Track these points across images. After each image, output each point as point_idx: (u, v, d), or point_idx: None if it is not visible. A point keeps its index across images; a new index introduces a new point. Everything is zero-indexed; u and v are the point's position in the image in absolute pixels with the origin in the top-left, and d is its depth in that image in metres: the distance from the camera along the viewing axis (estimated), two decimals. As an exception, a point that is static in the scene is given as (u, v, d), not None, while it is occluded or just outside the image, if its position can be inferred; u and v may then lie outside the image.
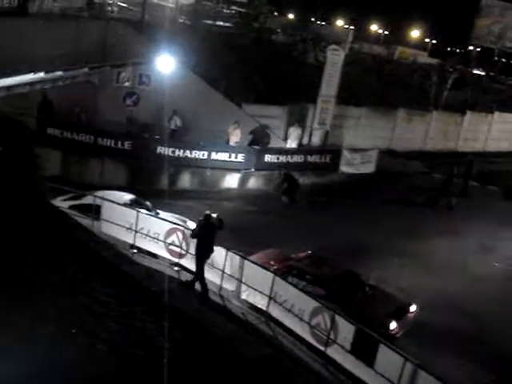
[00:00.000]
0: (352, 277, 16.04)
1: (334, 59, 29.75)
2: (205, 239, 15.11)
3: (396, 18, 65.89)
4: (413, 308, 15.45)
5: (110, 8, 31.12)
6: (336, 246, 19.90)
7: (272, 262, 16.45)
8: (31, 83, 21.67)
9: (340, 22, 63.74)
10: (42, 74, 21.69)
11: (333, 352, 13.16)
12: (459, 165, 28.47)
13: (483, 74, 57.68)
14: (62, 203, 18.20)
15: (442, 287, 18.04)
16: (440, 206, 25.88)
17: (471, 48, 63.82)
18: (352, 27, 63.52)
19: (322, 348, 13.37)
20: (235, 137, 26.39)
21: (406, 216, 24.22)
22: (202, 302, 14.65)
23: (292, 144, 28.16)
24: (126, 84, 26.83)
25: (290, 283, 14.51)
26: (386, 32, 75.18)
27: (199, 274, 15.03)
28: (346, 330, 12.84)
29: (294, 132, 28.27)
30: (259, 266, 14.99)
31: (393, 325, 14.34)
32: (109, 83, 26.50)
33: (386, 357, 11.98)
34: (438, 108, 36.92)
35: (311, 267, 16.04)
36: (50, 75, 22.24)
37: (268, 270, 14.71)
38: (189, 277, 15.59)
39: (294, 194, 25.40)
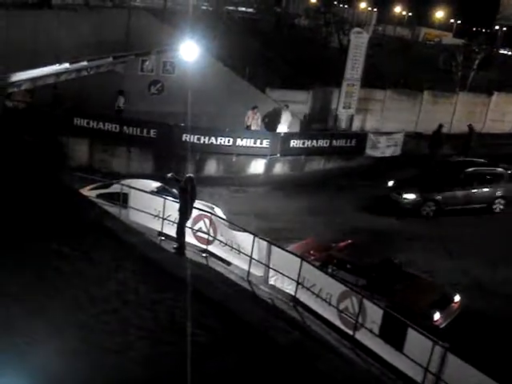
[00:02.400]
0: (393, 266, 15.87)
1: (358, 42, 29.59)
2: (191, 200, 15.61)
3: (420, -1, 65.09)
4: (457, 298, 15.22)
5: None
6: (362, 230, 19.92)
7: (312, 252, 16.51)
8: (56, 74, 21.83)
9: (363, 5, 63.08)
10: (66, 65, 21.84)
11: (361, 336, 13.18)
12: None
13: (510, 53, 56.85)
14: (89, 192, 18.39)
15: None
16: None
17: (497, 27, 62.86)
18: (375, 9, 62.90)
19: (350, 332, 13.39)
20: (254, 121, 26.36)
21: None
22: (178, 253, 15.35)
23: (283, 129, 27.53)
24: (151, 72, 26.93)
25: (317, 268, 14.54)
26: (410, 14, 74.31)
27: (182, 231, 15.61)
28: (374, 314, 12.84)
29: (284, 116, 27.60)
30: (286, 251, 15.03)
31: (436, 315, 14.18)
32: (133, 72, 26.61)
33: (415, 340, 11.97)
34: (464, 89, 36.48)
35: (351, 256, 15.97)
36: (75, 66, 22.39)
37: (298, 256, 14.68)
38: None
39: None
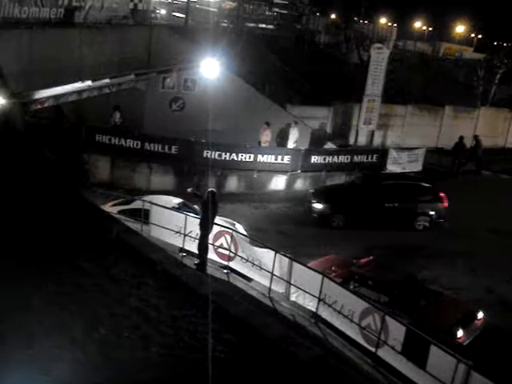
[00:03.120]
0: (415, 282, 15.70)
1: (379, 58, 29.64)
2: (212, 214, 15.56)
3: (440, 14, 64.90)
4: (480, 315, 14.99)
5: (153, 15, 31.46)
6: (383, 246, 19.79)
7: (333, 268, 16.40)
8: (79, 91, 22.02)
9: (383, 20, 63.13)
10: (88, 82, 22.02)
11: (383, 353, 13.04)
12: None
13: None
14: (111, 208, 18.50)
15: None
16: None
17: (518, 42, 62.48)
18: (396, 25, 62.88)
19: (372, 349, 13.27)
20: (265, 137, 26.40)
21: (452, 215, 23.74)
22: (199, 270, 15.24)
23: (291, 145, 27.33)
24: (172, 89, 27.12)
25: (339, 284, 14.46)
26: (431, 29, 74.15)
27: (204, 246, 15.60)
28: (396, 331, 12.72)
29: (292, 132, 27.24)
30: (308, 267, 14.98)
31: (460, 332, 13.98)
32: (154, 89, 26.81)
33: (438, 358, 11.83)
34: (486, 104, 36.32)
35: (373, 273, 15.84)
36: (97, 83, 22.57)
37: (318, 271, 14.62)
38: (240, 280, 15.72)
39: None
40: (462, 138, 29.08)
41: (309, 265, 15.58)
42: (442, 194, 22.68)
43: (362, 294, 14.30)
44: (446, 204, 22.61)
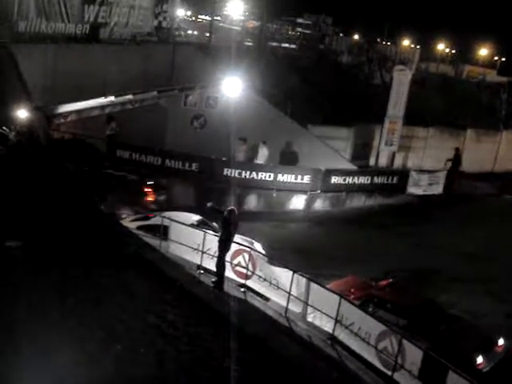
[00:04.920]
0: (434, 307, 15.53)
1: (401, 79, 29.63)
2: (231, 232, 15.55)
3: (463, 36, 64.90)
4: (501, 341, 14.76)
5: (177, 32, 31.77)
6: (404, 270, 19.66)
7: (352, 290, 16.28)
8: (101, 107, 22.22)
9: (406, 42, 63.22)
10: (112, 98, 22.22)
11: (400, 377, 12.88)
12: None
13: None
14: (130, 223, 18.54)
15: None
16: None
17: (542, 65, 62.19)
18: (418, 47, 62.91)
19: (388, 373, 13.12)
20: (242, 154, 26.06)
21: (474, 238, 23.58)
22: (216, 287, 15.14)
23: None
24: (194, 107, 27.26)
25: (357, 306, 14.36)
26: (454, 51, 74.12)
27: (222, 264, 15.47)
28: (413, 355, 12.58)
29: (261, 151, 26.51)
30: (325, 288, 14.90)
31: (479, 359, 13.78)
32: (177, 106, 26.96)
33: (456, 383, 11.68)
34: (509, 127, 36.07)
35: (392, 296, 15.70)
36: (120, 99, 22.78)
37: (336, 293, 14.53)
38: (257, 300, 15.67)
39: None
40: (457, 149, 29.59)
41: (328, 286, 15.46)
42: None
43: (380, 317, 14.19)
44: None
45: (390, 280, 17.04)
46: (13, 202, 14.07)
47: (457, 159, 29.47)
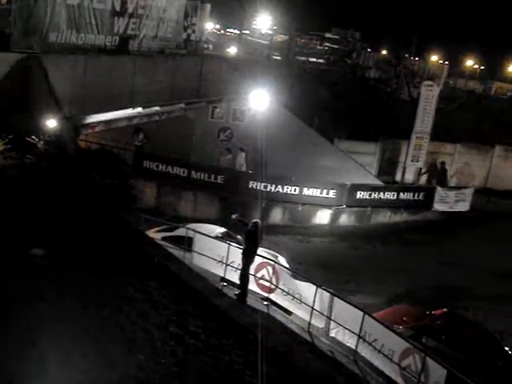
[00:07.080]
0: (493, 340, 15.09)
1: (429, 95, 29.47)
2: (256, 245, 15.47)
3: (492, 52, 64.55)
4: None
5: (205, 45, 31.94)
6: (428, 287, 19.47)
7: (405, 319, 15.84)
8: (129, 118, 22.39)
9: (434, 58, 63.01)
10: (139, 109, 22.38)
11: (423, 396, 12.77)
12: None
13: None
14: (155, 234, 18.60)
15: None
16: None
17: None
18: (447, 63, 62.61)
19: (411, 390, 12.99)
20: (224, 161, 26.18)
21: (502, 257, 23.25)
22: (239, 300, 15.01)
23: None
24: (221, 119, 27.37)
25: (380, 323, 14.19)
26: (482, 67, 73.67)
27: (246, 276, 15.36)
28: (437, 373, 12.43)
29: (239, 158, 26.36)
30: (348, 303, 14.77)
31: None
32: (204, 118, 27.08)
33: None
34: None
35: (448, 327, 15.27)
36: (148, 110, 22.93)
37: (358, 308, 14.38)
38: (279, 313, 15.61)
39: None
40: (443, 163, 30.57)
41: (375, 315, 14.94)
42: None
43: (435, 350, 13.79)
44: None
45: (445, 309, 16.34)
46: (39, 211, 14.18)
47: (443, 172, 29.56)
